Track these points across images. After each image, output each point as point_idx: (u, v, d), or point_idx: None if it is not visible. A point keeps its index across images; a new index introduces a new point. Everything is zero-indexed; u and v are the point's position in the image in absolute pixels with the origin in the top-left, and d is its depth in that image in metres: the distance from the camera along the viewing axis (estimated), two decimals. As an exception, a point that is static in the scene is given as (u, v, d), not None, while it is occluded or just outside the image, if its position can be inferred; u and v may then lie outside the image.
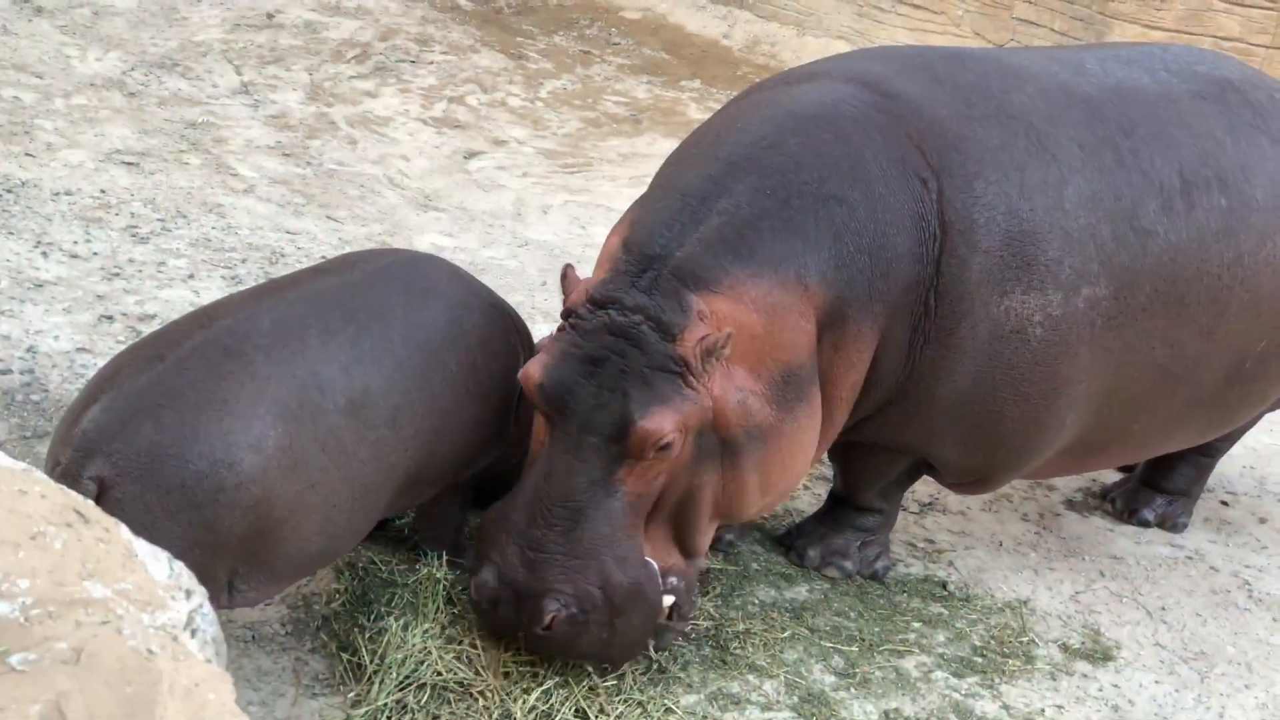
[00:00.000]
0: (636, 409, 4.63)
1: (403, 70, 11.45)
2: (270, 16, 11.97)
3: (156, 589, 2.75)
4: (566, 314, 4.86)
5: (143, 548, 2.85)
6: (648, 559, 4.80)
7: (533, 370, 4.77)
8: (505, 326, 5.09)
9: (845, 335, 5.01)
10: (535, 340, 5.18)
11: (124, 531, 2.87)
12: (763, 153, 5.03)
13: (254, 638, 4.86)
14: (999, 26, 12.52)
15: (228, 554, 4.22)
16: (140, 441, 4.07)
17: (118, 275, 7.02)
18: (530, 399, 4.83)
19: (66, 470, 4.05)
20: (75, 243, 7.26)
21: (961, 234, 5.07)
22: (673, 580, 4.92)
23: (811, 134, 5.08)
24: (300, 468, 4.30)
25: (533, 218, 9.08)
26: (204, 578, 3.40)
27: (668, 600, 4.90)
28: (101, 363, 5.52)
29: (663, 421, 4.63)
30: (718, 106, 7.49)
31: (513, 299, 6.00)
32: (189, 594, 2.86)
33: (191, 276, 7.17)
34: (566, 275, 4.95)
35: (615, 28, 13.32)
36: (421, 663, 4.77)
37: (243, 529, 4.19)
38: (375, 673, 4.73)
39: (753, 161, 5.00)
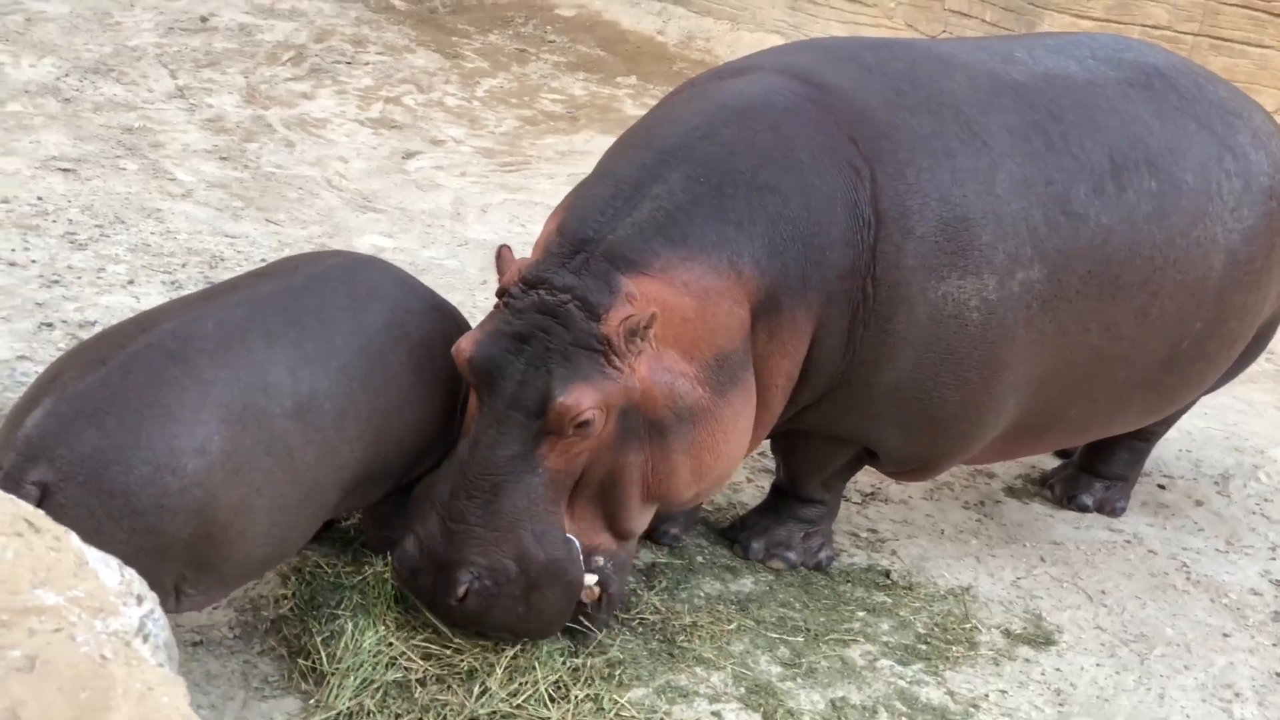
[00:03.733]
0: (557, 385, 4.68)
1: (339, 71, 11.43)
2: (204, 20, 11.92)
3: (108, 595, 2.76)
4: (501, 293, 4.92)
5: (93, 555, 2.86)
6: (569, 536, 4.85)
7: (464, 345, 4.84)
8: (447, 327, 5.11)
9: (780, 323, 5.06)
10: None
11: (74, 540, 2.88)
12: (696, 142, 5.08)
13: (202, 641, 4.86)
14: (931, 18, 12.62)
15: (174, 559, 4.20)
16: (83, 446, 4.04)
17: (57, 282, 6.98)
18: (461, 373, 4.89)
19: (9, 475, 4.01)
20: (13, 250, 7.22)
21: (896, 221, 5.13)
22: (599, 560, 4.97)
23: (744, 124, 5.13)
24: (245, 472, 4.30)
25: (472, 217, 9.09)
26: (150, 583, 3.40)
27: (590, 579, 4.94)
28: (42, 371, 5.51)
29: (581, 397, 4.67)
30: (654, 102, 7.52)
31: (453, 298, 6.01)
32: (140, 600, 2.87)
33: (131, 282, 7.14)
34: (501, 255, 5.01)
35: (550, 25, 13.34)
36: (378, 664, 4.79)
37: (188, 534, 4.18)
38: (332, 676, 4.73)
39: (687, 150, 5.06)
